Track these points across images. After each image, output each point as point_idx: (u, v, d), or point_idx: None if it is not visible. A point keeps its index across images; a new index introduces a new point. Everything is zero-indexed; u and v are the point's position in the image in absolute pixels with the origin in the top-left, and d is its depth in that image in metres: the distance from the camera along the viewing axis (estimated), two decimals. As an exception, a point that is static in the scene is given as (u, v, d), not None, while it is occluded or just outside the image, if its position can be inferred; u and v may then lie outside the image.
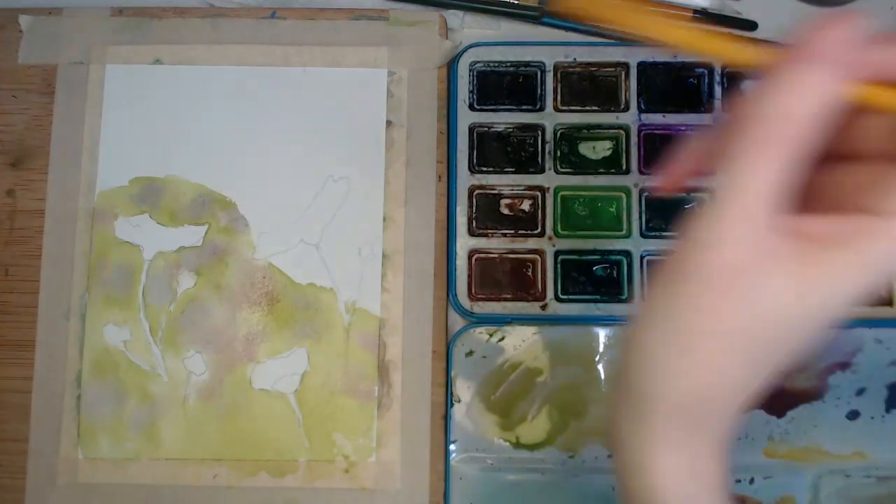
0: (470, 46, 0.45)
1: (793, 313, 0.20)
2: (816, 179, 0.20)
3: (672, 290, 0.21)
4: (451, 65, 0.45)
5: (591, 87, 0.45)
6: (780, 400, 0.42)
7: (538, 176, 0.44)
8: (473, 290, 0.43)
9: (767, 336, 0.20)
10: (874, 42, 0.18)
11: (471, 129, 0.44)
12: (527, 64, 0.45)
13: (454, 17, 0.47)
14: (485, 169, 0.44)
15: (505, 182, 0.44)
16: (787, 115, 0.17)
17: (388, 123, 0.44)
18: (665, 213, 0.43)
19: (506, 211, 0.44)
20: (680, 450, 0.22)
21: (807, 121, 0.17)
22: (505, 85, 0.45)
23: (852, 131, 0.19)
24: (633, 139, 0.44)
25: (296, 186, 0.44)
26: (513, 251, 0.43)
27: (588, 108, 0.45)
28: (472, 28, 0.47)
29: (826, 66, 0.17)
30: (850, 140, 0.19)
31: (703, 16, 0.46)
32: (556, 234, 0.43)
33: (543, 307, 0.43)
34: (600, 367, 0.42)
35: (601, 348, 0.42)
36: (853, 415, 0.42)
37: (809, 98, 0.17)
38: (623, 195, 0.44)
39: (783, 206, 0.19)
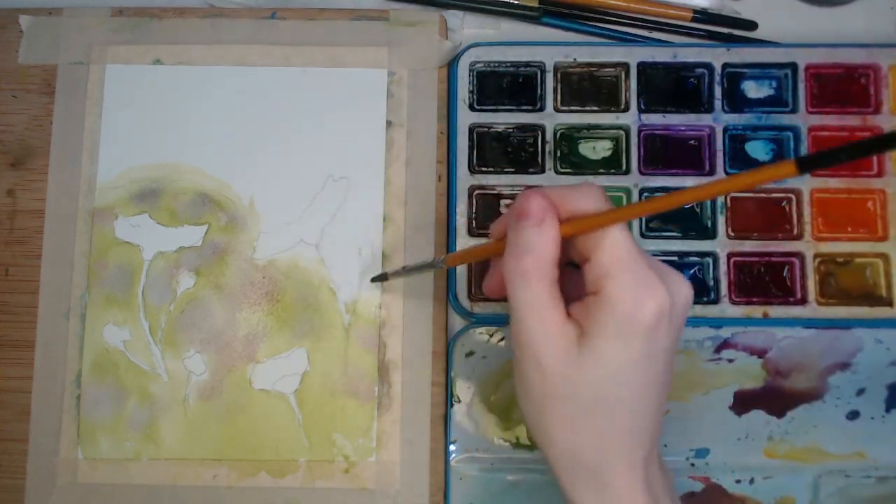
0: (470, 46, 0.45)
1: (602, 373, 0.28)
2: (577, 280, 0.30)
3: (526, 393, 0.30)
4: (451, 65, 0.45)
5: (591, 87, 0.45)
6: (780, 400, 0.42)
7: (538, 176, 0.44)
8: (473, 291, 0.43)
9: (597, 395, 0.28)
10: (559, 195, 0.29)
11: (471, 130, 0.44)
12: (527, 64, 0.45)
13: (454, 17, 0.47)
14: (485, 169, 0.44)
15: (505, 182, 0.44)
16: (532, 248, 0.28)
17: (388, 123, 0.44)
18: (665, 214, 0.43)
19: (506, 211, 0.44)
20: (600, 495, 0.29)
21: (544, 249, 0.28)
22: (505, 85, 0.45)
23: (577, 247, 0.29)
24: (633, 139, 0.44)
25: (296, 186, 0.44)
26: (513, 251, 0.43)
27: (588, 108, 0.45)
28: (472, 28, 0.47)
29: (533, 221, 0.28)
30: (577, 253, 0.30)
31: (703, 16, 0.46)
32: (556, 234, 0.43)
33: (543, 307, 0.43)
34: (600, 367, 0.42)
35: (601, 348, 0.42)
36: (853, 415, 0.42)
37: (538, 238, 0.28)
38: (623, 195, 0.44)
39: (559, 303, 0.29)
